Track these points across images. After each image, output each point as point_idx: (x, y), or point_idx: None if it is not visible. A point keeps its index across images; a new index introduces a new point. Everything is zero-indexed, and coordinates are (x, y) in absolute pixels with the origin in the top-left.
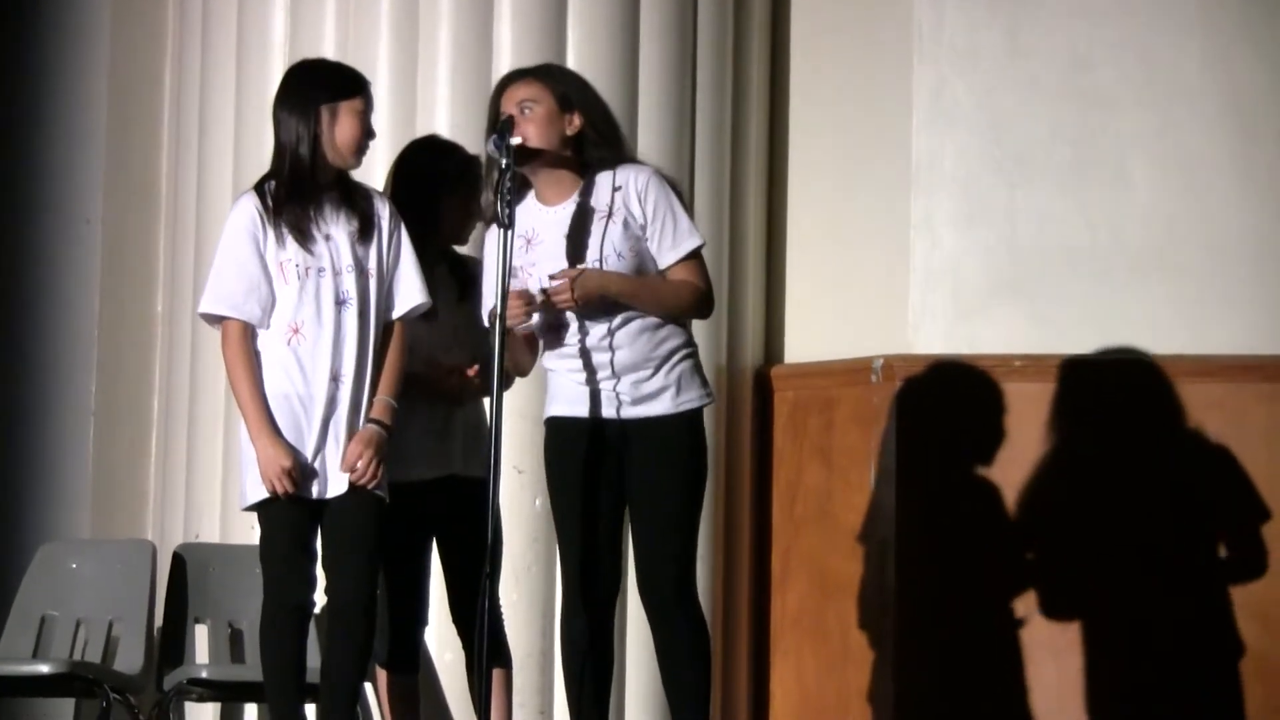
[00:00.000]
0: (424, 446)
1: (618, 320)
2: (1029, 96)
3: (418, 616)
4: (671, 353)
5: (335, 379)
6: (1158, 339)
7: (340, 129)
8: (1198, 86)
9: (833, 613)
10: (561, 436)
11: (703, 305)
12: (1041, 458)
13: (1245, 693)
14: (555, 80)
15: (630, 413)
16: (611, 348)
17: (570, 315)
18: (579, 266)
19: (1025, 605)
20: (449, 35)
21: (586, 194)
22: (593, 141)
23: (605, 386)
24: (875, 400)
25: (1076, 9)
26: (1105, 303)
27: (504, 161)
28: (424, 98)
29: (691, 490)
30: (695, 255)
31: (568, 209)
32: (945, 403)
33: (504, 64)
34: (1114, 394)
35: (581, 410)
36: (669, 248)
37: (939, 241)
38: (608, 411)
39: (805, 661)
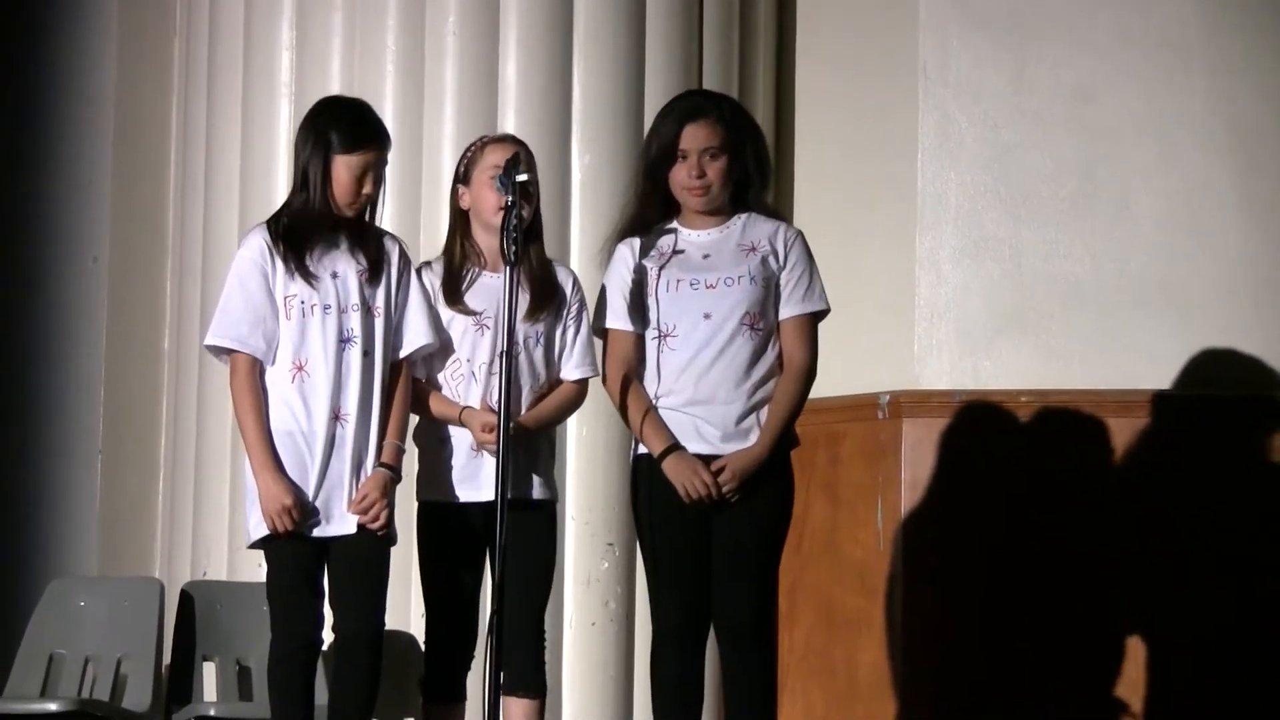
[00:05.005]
0: (470, 467)
1: (698, 344)
2: (1033, 130)
3: (454, 642)
4: (760, 384)
5: (338, 418)
6: (1162, 371)
7: (335, 181)
8: (1201, 119)
9: (840, 649)
10: (654, 473)
11: (811, 381)
12: (1049, 493)
13: None
14: (729, 126)
15: (723, 448)
16: (695, 378)
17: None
18: (729, 467)
19: (1034, 640)
20: (455, 73)
21: (735, 226)
22: (750, 182)
23: (693, 418)
24: (882, 436)
25: (1080, 43)
26: (1110, 336)
27: (509, 199)
28: (430, 136)
29: (779, 528)
30: (814, 318)
31: (713, 234)
32: (951, 437)
33: (510, 102)
34: (1121, 428)
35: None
36: (797, 300)
37: (944, 276)
38: (696, 447)
39: (813, 698)
